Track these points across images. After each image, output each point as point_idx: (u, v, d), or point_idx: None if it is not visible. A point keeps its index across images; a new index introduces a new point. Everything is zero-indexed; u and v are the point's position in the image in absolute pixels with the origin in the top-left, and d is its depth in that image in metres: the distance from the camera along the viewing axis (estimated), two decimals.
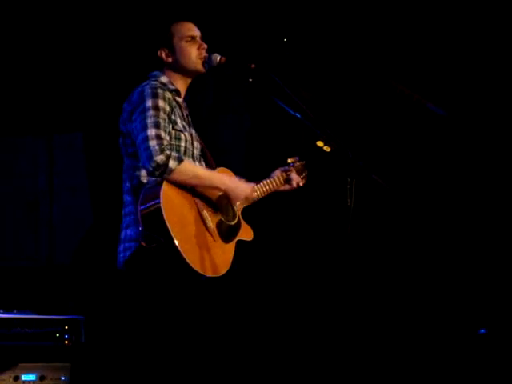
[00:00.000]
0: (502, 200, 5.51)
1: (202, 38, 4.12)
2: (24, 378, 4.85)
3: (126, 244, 3.87)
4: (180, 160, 3.77)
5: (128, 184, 3.94)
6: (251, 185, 4.08)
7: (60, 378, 4.92)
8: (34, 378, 4.87)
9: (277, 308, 5.64)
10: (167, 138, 3.82)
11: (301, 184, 4.45)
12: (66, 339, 4.95)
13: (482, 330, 5.39)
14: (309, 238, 5.73)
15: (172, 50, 4.04)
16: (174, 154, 3.76)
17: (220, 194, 3.98)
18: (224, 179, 3.95)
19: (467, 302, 5.48)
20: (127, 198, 3.94)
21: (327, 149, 4.33)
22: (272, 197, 4.31)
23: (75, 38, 5.81)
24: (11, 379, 4.81)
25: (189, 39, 4.04)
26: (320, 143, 4.35)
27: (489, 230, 5.51)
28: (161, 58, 4.06)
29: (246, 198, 4.06)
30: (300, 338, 5.60)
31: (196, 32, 4.09)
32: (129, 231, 3.88)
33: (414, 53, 5.62)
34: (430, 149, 5.64)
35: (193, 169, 3.85)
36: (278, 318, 5.62)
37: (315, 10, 5.70)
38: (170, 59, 4.05)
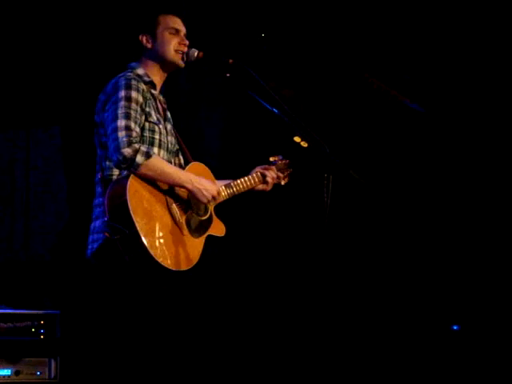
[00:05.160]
0: (478, 195, 5.55)
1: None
2: None
3: (95, 236, 3.85)
4: (148, 156, 3.73)
5: (99, 175, 3.92)
6: (218, 186, 4.01)
7: (35, 373, 4.91)
8: (9, 373, 4.86)
9: (252, 304, 5.65)
10: (137, 129, 3.80)
11: (282, 183, 4.42)
12: (42, 334, 4.93)
13: (455, 327, 5.42)
14: (285, 234, 5.74)
15: (154, 38, 4.05)
16: (142, 148, 3.74)
17: None
18: (191, 179, 3.87)
19: (441, 297, 5.52)
20: (98, 188, 3.93)
21: (304, 144, 4.34)
22: (249, 192, 4.30)
23: (53, 31, 5.78)
24: None
25: (173, 31, 4.06)
26: (297, 139, 4.36)
27: (464, 226, 5.55)
28: (141, 42, 4.06)
29: (213, 198, 3.94)
30: (275, 333, 5.61)
31: (181, 27, 4.10)
32: (97, 222, 3.86)
33: (393, 48, 5.65)
34: (407, 145, 5.67)
35: (161, 165, 3.80)
36: (253, 314, 5.63)
37: (293, 6, 5.71)
38: (149, 45, 4.05)
